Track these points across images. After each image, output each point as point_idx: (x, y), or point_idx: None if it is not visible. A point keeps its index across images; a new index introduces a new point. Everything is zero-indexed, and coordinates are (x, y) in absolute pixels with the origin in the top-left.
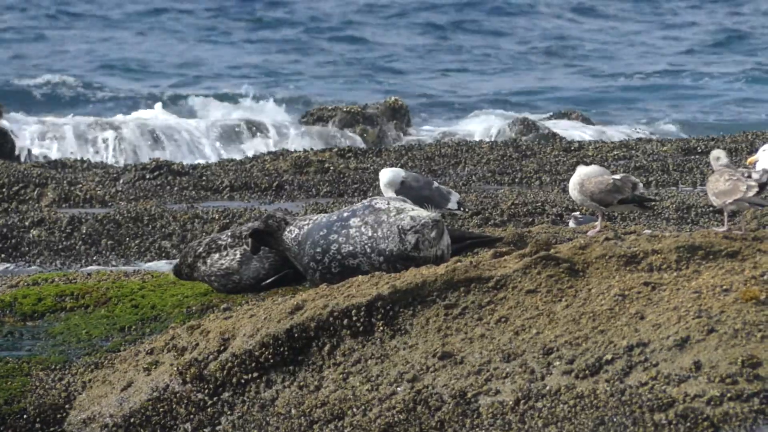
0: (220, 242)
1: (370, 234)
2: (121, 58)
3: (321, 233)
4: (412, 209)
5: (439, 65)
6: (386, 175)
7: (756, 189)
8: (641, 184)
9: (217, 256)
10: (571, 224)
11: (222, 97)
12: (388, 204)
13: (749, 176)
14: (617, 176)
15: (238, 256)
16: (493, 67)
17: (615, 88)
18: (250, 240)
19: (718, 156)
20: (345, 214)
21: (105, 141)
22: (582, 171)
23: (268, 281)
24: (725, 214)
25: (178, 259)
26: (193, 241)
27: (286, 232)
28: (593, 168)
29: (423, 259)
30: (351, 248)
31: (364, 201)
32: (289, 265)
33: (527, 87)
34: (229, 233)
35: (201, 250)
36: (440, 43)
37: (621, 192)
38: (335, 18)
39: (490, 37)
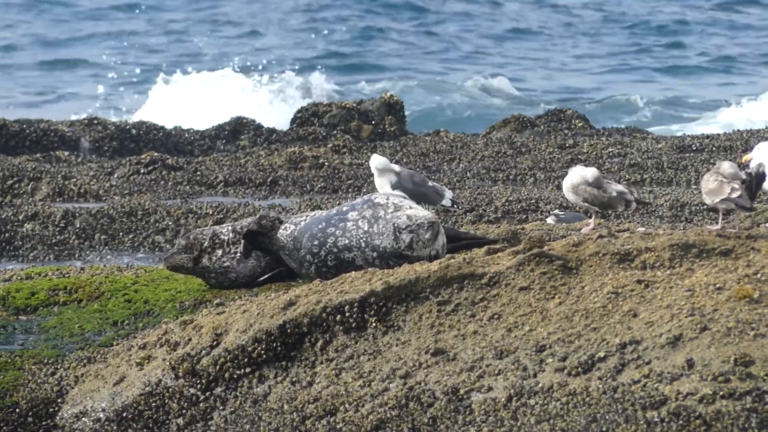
0: (222, 237)
1: (366, 228)
2: None
3: (320, 226)
4: (410, 207)
5: None
6: (377, 159)
7: (739, 192)
8: (633, 201)
9: (220, 252)
10: (550, 221)
11: None
12: (387, 200)
13: (746, 173)
14: (615, 189)
15: (238, 254)
16: None
17: None
18: (243, 242)
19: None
20: (344, 208)
21: None
22: (573, 176)
23: (262, 278)
24: (720, 212)
25: (175, 251)
26: (191, 233)
27: (280, 230)
28: (583, 173)
29: (416, 258)
30: (347, 241)
31: (365, 196)
32: (283, 264)
33: None
34: (230, 227)
35: (207, 244)
36: None
37: (613, 208)
38: None
39: None
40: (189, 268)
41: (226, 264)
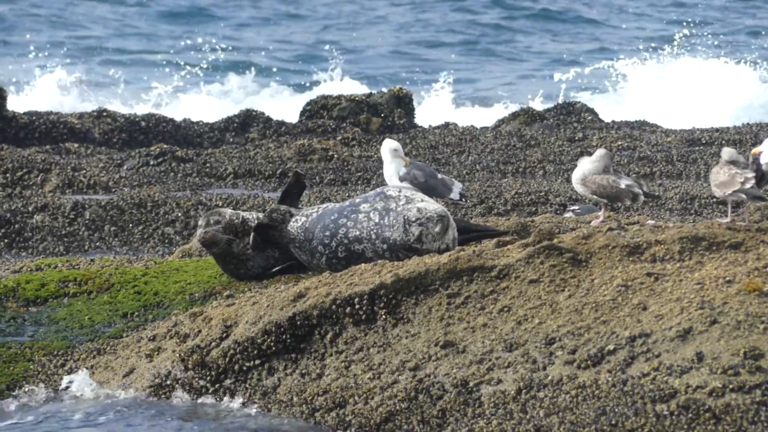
0: (250, 224)
1: (377, 220)
2: None
3: (332, 217)
4: (421, 200)
5: None
6: (390, 142)
7: (752, 182)
8: (641, 195)
9: (247, 239)
10: (568, 216)
11: None
12: (399, 192)
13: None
14: (623, 182)
15: None
16: None
17: None
18: (253, 235)
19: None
20: (357, 200)
21: None
22: (583, 167)
23: (274, 270)
24: (729, 205)
25: (214, 228)
26: (223, 213)
27: (291, 222)
28: (591, 158)
29: (425, 251)
30: (357, 233)
31: (378, 188)
32: (292, 257)
33: None
34: (255, 215)
35: (239, 229)
36: None
37: (620, 200)
38: None
39: None
40: (221, 247)
41: (248, 252)
